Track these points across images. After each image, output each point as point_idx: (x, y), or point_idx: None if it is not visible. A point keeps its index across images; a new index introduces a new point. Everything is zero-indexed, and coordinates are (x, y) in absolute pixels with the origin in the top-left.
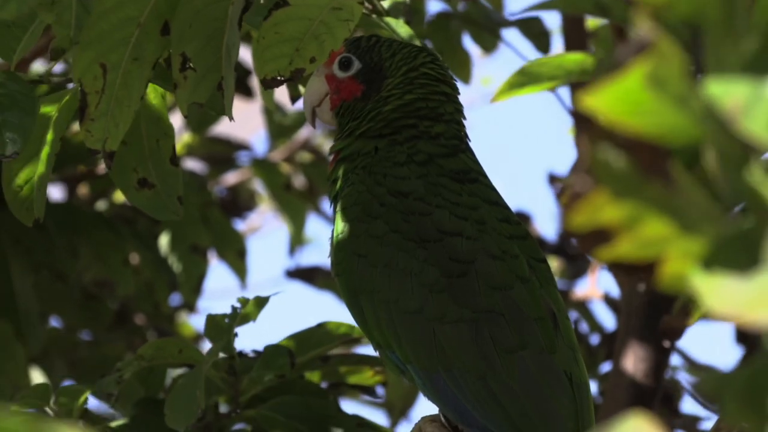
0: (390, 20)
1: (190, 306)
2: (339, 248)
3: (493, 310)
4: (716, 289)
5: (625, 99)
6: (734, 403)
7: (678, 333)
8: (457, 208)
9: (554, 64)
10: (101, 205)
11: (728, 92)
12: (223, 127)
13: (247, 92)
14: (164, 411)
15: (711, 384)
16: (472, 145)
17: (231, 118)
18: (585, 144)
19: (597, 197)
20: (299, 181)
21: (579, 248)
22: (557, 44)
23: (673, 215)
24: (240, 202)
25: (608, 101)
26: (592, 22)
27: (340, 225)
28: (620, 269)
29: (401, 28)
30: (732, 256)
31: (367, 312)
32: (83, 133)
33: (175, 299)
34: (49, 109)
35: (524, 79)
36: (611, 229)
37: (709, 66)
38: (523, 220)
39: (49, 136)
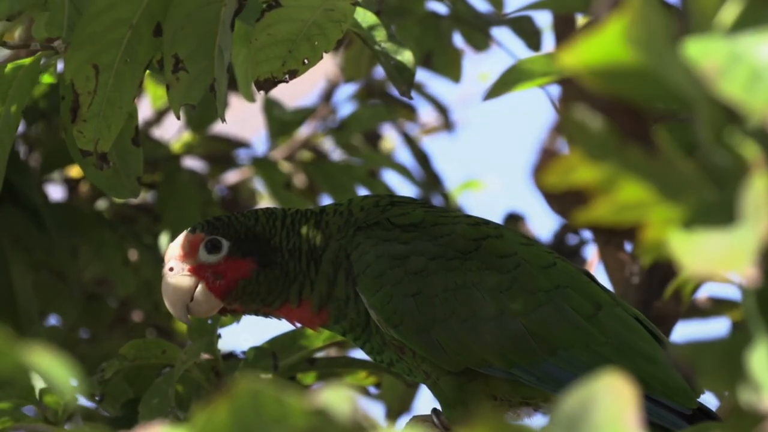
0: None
1: None
2: (384, 303)
3: (558, 286)
4: (692, 247)
5: (604, 59)
6: (710, 368)
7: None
8: (467, 218)
9: (546, 60)
10: (101, 204)
11: (706, 53)
12: (223, 127)
13: None
14: (138, 408)
15: (688, 351)
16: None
17: (223, 120)
18: (561, 104)
19: (569, 157)
20: (299, 179)
21: (554, 210)
22: (549, 43)
23: (652, 180)
24: (241, 201)
25: (587, 60)
26: (583, 20)
27: (371, 285)
28: (600, 233)
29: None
30: (712, 221)
31: (445, 341)
32: (75, 134)
33: None
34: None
35: (517, 75)
36: (587, 192)
37: (693, 26)
38: (516, 220)
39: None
